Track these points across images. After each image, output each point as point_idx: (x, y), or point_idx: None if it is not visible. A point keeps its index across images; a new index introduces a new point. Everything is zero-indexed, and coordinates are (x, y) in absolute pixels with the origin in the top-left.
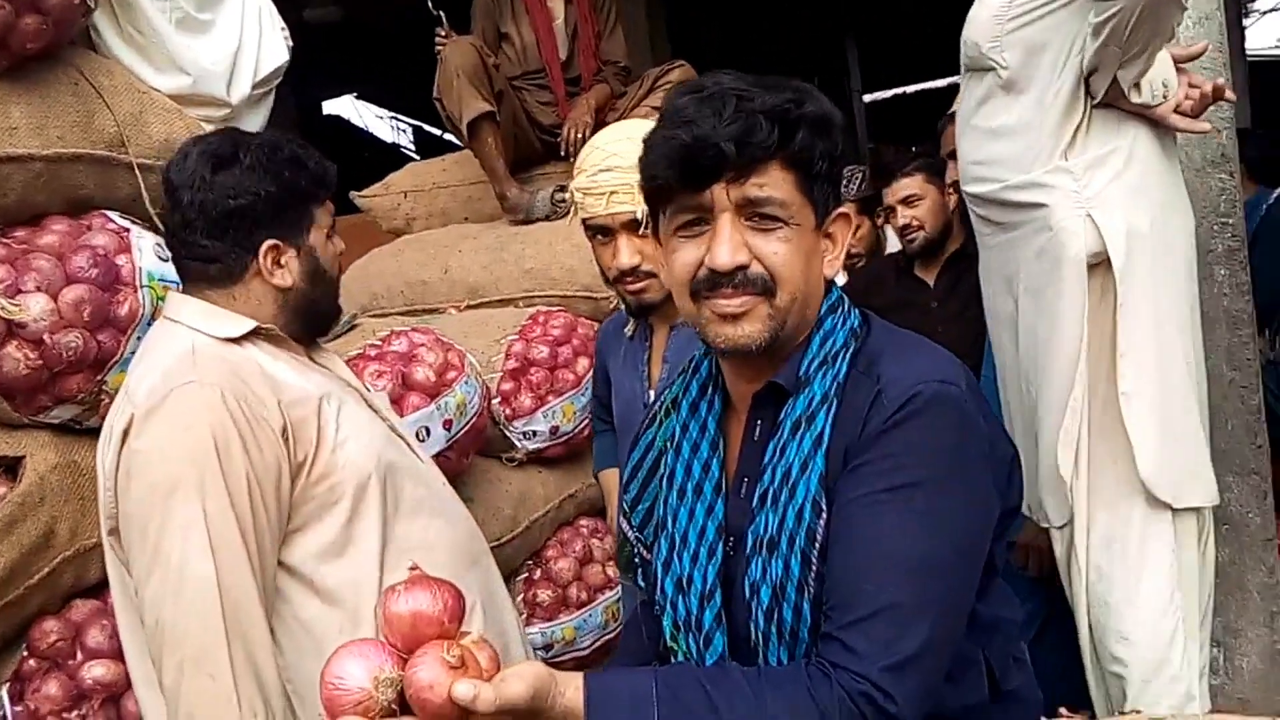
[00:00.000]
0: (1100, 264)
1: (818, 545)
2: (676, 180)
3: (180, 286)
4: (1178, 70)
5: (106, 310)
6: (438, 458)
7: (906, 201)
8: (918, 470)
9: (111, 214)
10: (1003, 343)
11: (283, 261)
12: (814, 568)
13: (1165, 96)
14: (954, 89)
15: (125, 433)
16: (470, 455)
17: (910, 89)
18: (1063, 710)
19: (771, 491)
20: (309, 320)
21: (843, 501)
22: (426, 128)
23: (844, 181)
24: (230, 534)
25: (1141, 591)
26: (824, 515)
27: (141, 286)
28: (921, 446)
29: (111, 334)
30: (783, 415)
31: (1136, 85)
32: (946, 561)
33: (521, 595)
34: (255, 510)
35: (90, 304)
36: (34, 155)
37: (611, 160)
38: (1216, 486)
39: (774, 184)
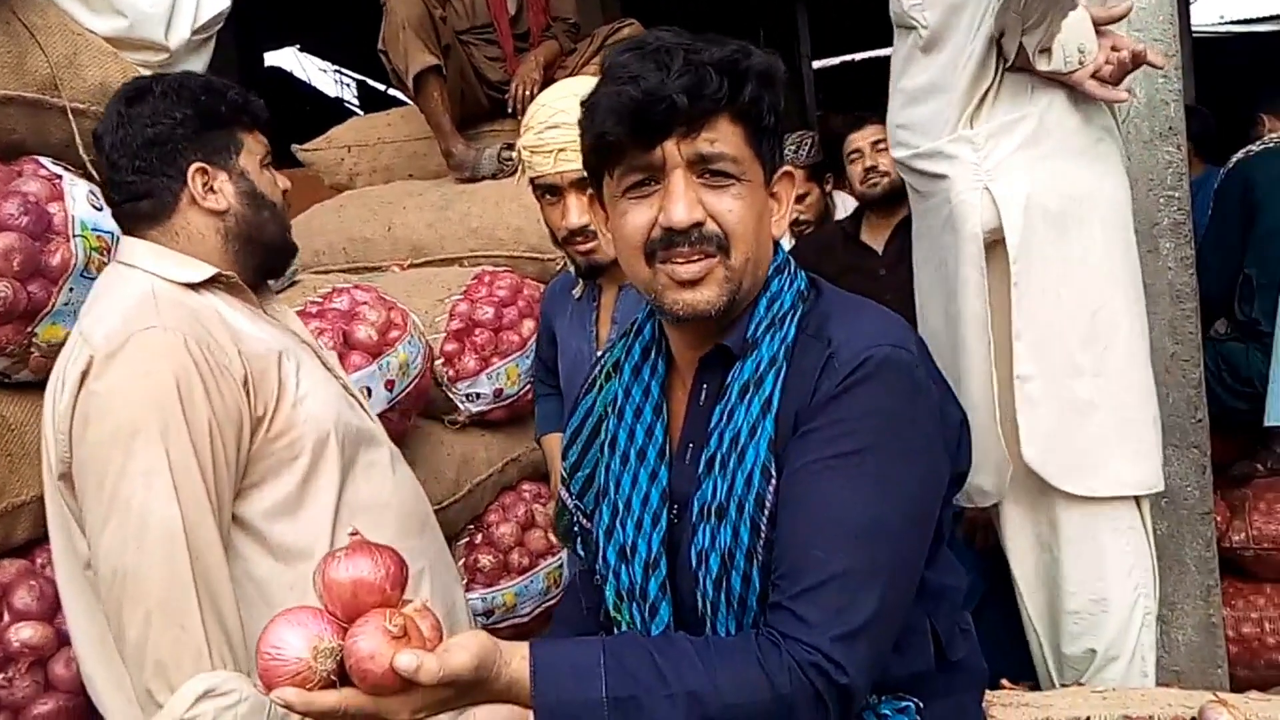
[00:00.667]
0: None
1: (767, 512)
2: (627, 136)
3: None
4: (1100, 34)
5: (37, 259)
6: (379, 418)
7: (875, 145)
8: (868, 435)
9: (43, 160)
10: (925, 313)
11: (215, 187)
12: (763, 535)
13: (1082, 62)
14: None
15: (83, 375)
16: (412, 416)
17: (859, 56)
18: (1004, 682)
19: (719, 457)
20: (260, 252)
21: (792, 467)
22: (371, 83)
23: (794, 147)
24: (194, 480)
25: (1097, 572)
26: (773, 481)
27: (74, 236)
28: (873, 411)
29: (42, 284)
30: (730, 379)
31: (1046, 51)
32: (897, 528)
33: (462, 560)
34: (216, 459)
35: (20, 253)
36: None
37: (559, 117)
38: (1161, 475)
39: (724, 139)
